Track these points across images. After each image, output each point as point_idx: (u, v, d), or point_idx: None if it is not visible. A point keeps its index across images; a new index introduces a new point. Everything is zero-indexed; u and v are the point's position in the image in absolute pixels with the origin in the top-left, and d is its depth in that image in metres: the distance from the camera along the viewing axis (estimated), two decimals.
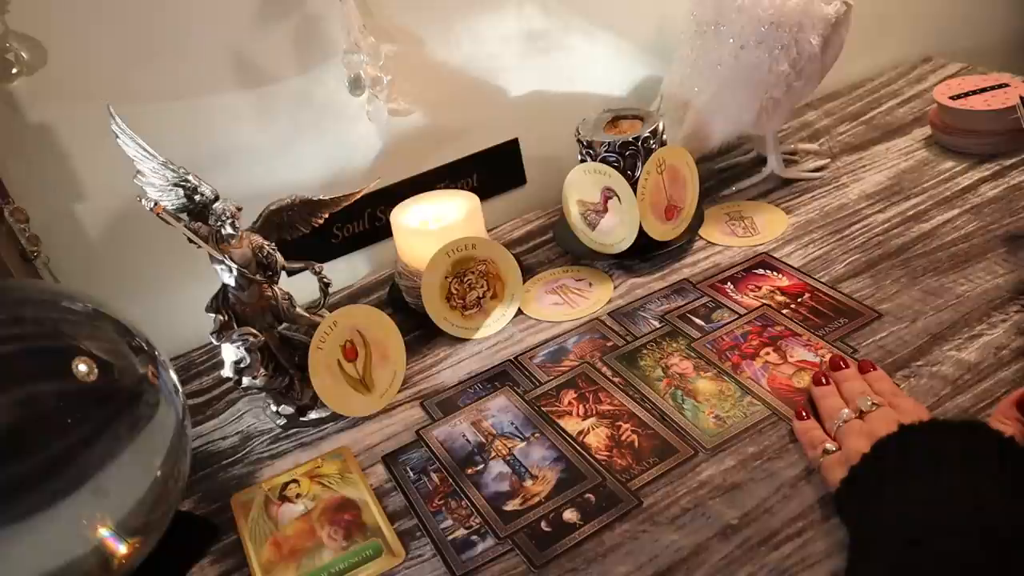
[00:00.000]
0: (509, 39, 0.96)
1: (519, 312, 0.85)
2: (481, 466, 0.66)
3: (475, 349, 0.81)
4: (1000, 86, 0.97)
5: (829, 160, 1.00)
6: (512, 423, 0.70)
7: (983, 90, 0.96)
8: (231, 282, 0.69)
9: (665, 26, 1.03)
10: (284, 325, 0.72)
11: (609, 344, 0.78)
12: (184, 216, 0.67)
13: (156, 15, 0.77)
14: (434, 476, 0.67)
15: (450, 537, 0.61)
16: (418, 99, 0.92)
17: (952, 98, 0.96)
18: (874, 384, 0.63)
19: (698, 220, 0.91)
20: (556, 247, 0.95)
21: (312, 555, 0.62)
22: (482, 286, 0.82)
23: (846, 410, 0.60)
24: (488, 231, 0.90)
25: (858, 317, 0.74)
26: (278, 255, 0.71)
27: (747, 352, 0.73)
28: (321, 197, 0.73)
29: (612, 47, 1.03)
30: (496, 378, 0.76)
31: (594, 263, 0.90)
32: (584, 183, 0.86)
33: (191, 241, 0.67)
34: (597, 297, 0.85)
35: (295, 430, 0.75)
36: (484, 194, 0.95)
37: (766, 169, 0.98)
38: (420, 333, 0.84)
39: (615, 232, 0.85)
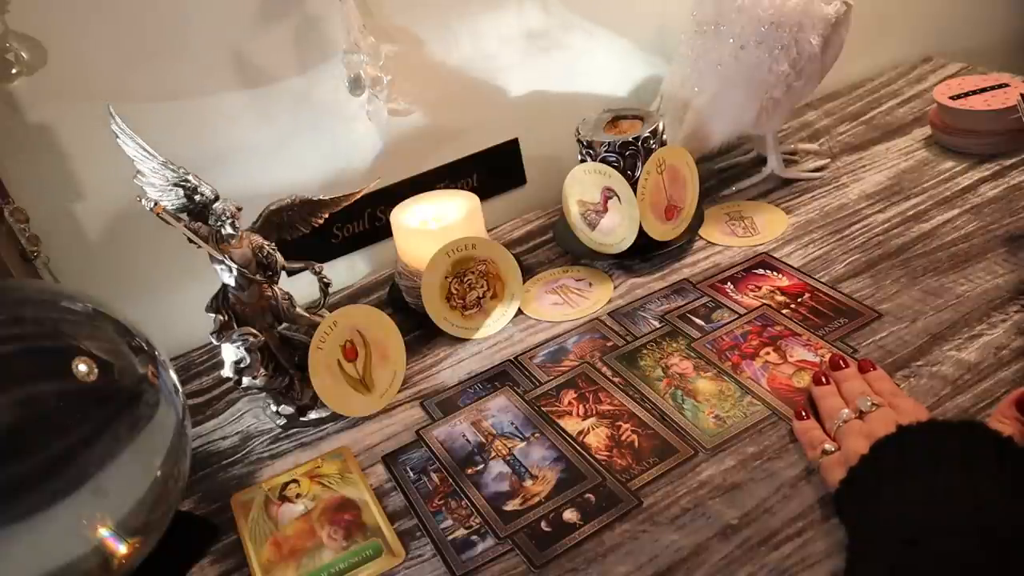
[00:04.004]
0: (509, 39, 0.96)
1: (519, 312, 0.85)
2: (481, 466, 0.67)
3: (475, 349, 0.81)
4: (1000, 86, 0.97)
5: (829, 160, 1.00)
6: (512, 423, 0.70)
7: (983, 90, 0.96)
8: (231, 282, 0.69)
9: (665, 26, 1.03)
10: (284, 325, 0.72)
11: (609, 344, 0.78)
12: (184, 216, 0.67)
13: (156, 15, 0.77)
14: (434, 476, 0.67)
15: (450, 537, 0.61)
16: (418, 99, 0.92)
17: (952, 98, 0.96)
18: (874, 384, 0.63)
19: (698, 220, 0.91)
20: (556, 247, 0.95)
21: (312, 555, 0.62)
22: (482, 286, 0.83)
23: (846, 410, 0.60)
24: (488, 231, 0.90)
25: (858, 317, 0.74)
26: (278, 255, 0.71)
27: (747, 352, 0.73)
28: (321, 197, 0.73)
29: (612, 47, 1.03)
30: (496, 378, 0.76)
31: (594, 263, 0.90)
32: (584, 183, 0.86)
33: (191, 241, 0.67)
34: (597, 297, 0.85)
35: (295, 430, 0.75)
36: (484, 194, 0.95)
37: (766, 169, 0.98)
38: (420, 333, 0.84)
39: (615, 232, 0.85)
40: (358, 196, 0.75)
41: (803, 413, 0.63)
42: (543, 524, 0.60)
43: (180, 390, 0.60)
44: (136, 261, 0.84)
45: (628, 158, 0.84)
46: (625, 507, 0.60)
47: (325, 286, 0.74)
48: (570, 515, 0.61)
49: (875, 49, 1.20)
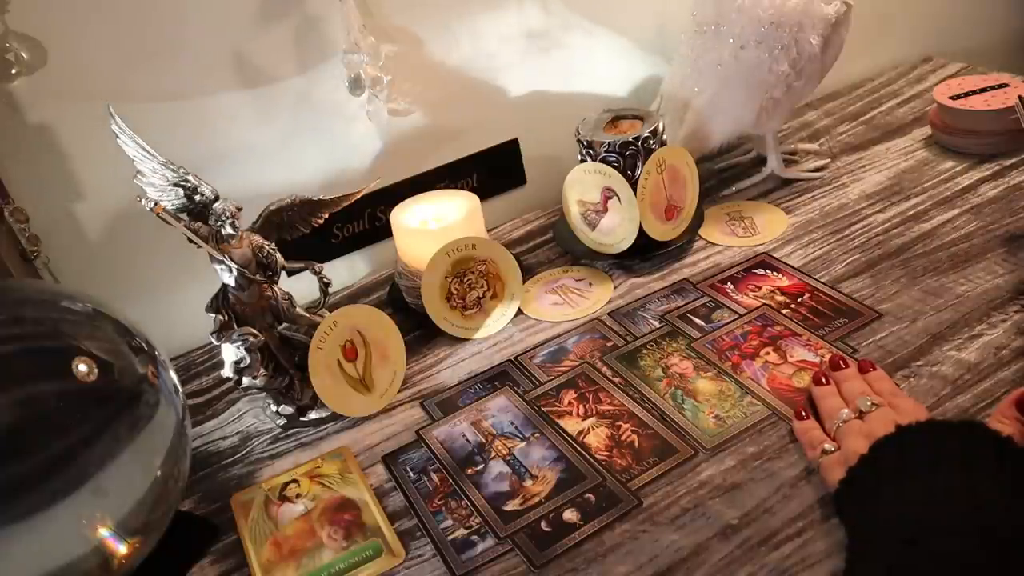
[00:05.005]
0: (509, 39, 0.96)
1: (519, 312, 0.85)
2: (481, 466, 0.67)
3: (475, 349, 0.81)
4: (1000, 86, 0.97)
5: (829, 160, 1.00)
6: (512, 423, 0.70)
7: (983, 90, 0.96)
8: (231, 282, 0.69)
9: (665, 26, 1.03)
10: (284, 325, 0.72)
11: (609, 344, 0.78)
12: (184, 216, 0.67)
13: (156, 15, 0.77)
14: (434, 476, 0.67)
15: (450, 537, 0.61)
16: (418, 99, 0.92)
17: (952, 98, 0.96)
18: (874, 384, 0.63)
19: (698, 220, 0.91)
20: (556, 247, 0.95)
21: (312, 555, 0.62)
22: (482, 286, 0.83)
23: (846, 410, 0.60)
24: (488, 231, 0.90)
25: (858, 317, 0.74)
26: (278, 255, 0.71)
27: (747, 352, 0.73)
28: (321, 197, 0.73)
29: (612, 47, 1.03)
30: (496, 378, 0.76)
31: (594, 263, 0.90)
32: (584, 183, 0.86)
33: (191, 241, 0.67)
34: (597, 297, 0.85)
35: (295, 430, 0.75)
36: (484, 194, 0.95)
37: (766, 169, 0.98)
38: (420, 333, 0.84)
39: (615, 232, 0.85)
40: (358, 196, 0.75)
41: (803, 413, 0.63)
42: (543, 524, 0.60)
43: (180, 390, 0.60)
44: (136, 261, 0.84)
45: (628, 158, 0.84)
46: (625, 507, 0.60)
47: (325, 286, 0.74)
48: (570, 515, 0.61)
49: (875, 49, 1.20)
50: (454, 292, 0.81)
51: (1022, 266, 0.75)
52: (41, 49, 0.73)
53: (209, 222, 0.67)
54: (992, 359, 0.66)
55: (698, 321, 0.78)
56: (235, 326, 0.70)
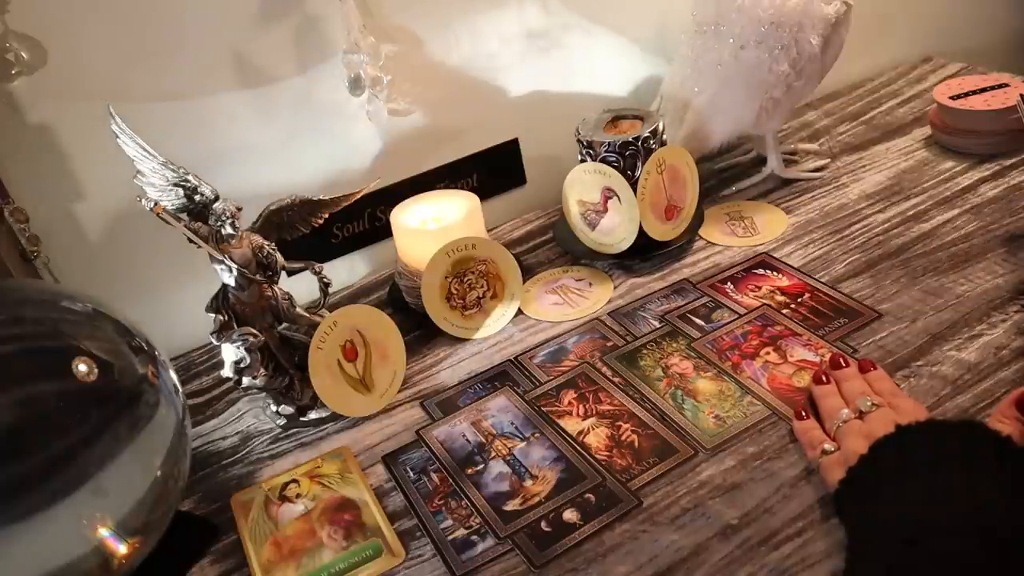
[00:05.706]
0: (509, 39, 0.96)
1: (519, 312, 0.85)
2: (481, 466, 0.67)
3: (475, 349, 0.81)
4: (1000, 86, 0.97)
5: (829, 160, 1.00)
6: (512, 423, 0.70)
7: (983, 90, 0.96)
8: (231, 282, 0.69)
9: (665, 26, 1.03)
10: (284, 325, 0.72)
11: (609, 344, 0.78)
12: (184, 216, 0.67)
13: (156, 15, 0.77)
14: (434, 476, 0.67)
15: (450, 537, 0.61)
16: (418, 99, 0.92)
17: (952, 98, 0.96)
18: (874, 384, 0.63)
19: (698, 220, 0.91)
20: (556, 247, 0.95)
21: (312, 555, 0.62)
22: (482, 286, 0.83)
23: (846, 410, 0.60)
24: (488, 231, 0.90)
25: (858, 317, 0.74)
26: (278, 255, 0.71)
27: (747, 352, 0.73)
28: (321, 197, 0.73)
29: (612, 47, 1.03)
30: (496, 378, 0.76)
31: (594, 263, 0.90)
32: (584, 183, 0.86)
33: (191, 241, 0.67)
34: (597, 297, 0.85)
35: (295, 430, 0.75)
36: (484, 194, 0.95)
37: (766, 169, 0.98)
38: (420, 333, 0.84)
39: (615, 232, 0.85)
40: (358, 196, 0.75)
41: (803, 413, 0.63)
42: (543, 524, 0.60)
43: (180, 390, 0.60)
44: (136, 261, 0.84)
45: (628, 158, 0.84)
46: (625, 507, 0.60)
47: (325, 286, 0.74)
48: (570, 515, 0.61)
49: (875, 49, 1.20)
50: (454, 292, 0.81)
51: (1022, 266, 0.75)
52: (41, 49, 0.73)
53: (209, 222, 0.67)
54: (992, 359, 0.66)
55: (698, 321, 0.78)
56: (235, 326, 0.70)
